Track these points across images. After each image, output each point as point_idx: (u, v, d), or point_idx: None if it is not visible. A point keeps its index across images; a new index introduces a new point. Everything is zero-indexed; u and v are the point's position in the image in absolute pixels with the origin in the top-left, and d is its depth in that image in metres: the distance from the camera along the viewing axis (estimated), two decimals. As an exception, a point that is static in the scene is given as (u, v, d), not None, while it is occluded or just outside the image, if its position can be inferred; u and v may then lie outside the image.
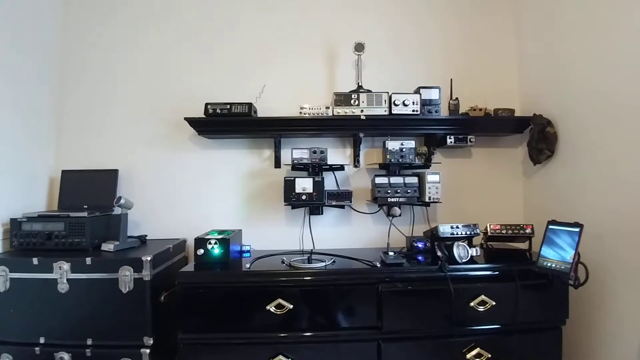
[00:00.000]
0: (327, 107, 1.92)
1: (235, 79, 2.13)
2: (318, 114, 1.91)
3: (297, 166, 1.93)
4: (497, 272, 1.61)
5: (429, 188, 1.86)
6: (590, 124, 1.66)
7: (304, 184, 1.85)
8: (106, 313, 1.56)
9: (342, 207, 1.96)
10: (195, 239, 1.69)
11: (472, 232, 1.69)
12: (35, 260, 1.58)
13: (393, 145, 1.89)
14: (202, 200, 2.10)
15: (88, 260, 1.57)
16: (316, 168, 1.94)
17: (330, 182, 2.08)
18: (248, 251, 1.88)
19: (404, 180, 1.88)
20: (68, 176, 1.99)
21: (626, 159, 1.49)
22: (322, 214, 2.07)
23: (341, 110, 1.91)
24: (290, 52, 2.15)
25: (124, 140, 2.11)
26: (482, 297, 1.54)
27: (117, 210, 1.81)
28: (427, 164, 2.03)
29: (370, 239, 2.11)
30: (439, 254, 1.65)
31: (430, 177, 1.86)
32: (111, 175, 1.99)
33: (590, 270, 1.46)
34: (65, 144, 2.11)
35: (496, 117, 1.99)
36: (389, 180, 1.88)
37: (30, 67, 1.93)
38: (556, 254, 1.46)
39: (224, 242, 1.67)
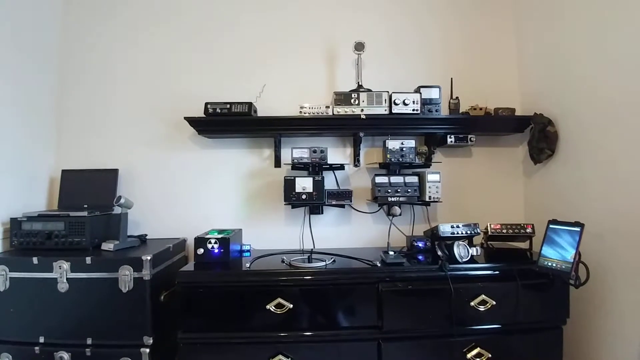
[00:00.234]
0: (327, 107, 1.91)
1: (235, 79, 2.13)
2: (318, 113, 1.91)
3: (297, 165, 1.93)
4: (497, 272, 1.60)
5: (429, 187, 1.86)
6: (591, 123, 1.65)
7: (304, 184, 1.85)
8: (106, 312, 1.56)
9: (342, 206, 1.96)
10: (195, 239, 1.69)
11: (473, 232, 1.69)
12: (35, 260, 1.58)
13: (393, 144, 1.89)
14: (202, 199, 2.10)
15: (88, 260, 1.57)
16: (316, 167, 1.94)
17: (330, 181, 2.08)
18: (248, 250, 1.87)
19: (404, 179, 1.88)
20: (68, 176, 1.99)
21: (627, 158, 1.48)
22: (322, 213, 2.07)
23: (341, 110, 1.91)
24: (290, 52, 2.15)
25: (124, 140, 2.11)
26: (483, 296, 1.54)
27: (117, 210, 1.81)
28: (427, 164, 2.03)
29: (370, 239, 2.11)
30: (440, 253, 1.65)
31: (431, 177, 1.86)
32: (111, 175, 1.99)
33: (591, 269, 1.46)
34: (65, 143, 2.11)
35: (497, 117, 1.98)
36: (389, 179, 1.88)
37: (30, 67, 1.94)
38: (557, 254, 1.45)
39: (224, 242, 1.67)
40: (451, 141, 1.96)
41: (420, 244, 1.89)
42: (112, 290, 1.56)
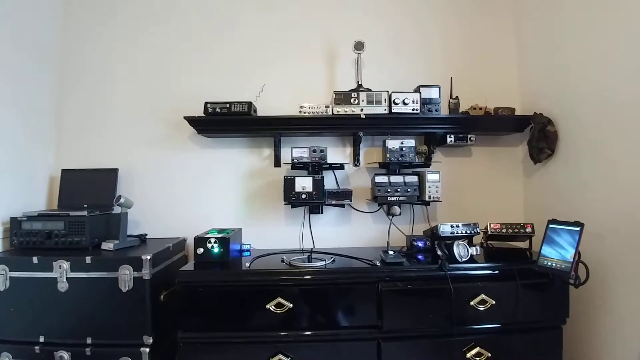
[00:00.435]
0: (327, 106, 1.92)
1: (235, 79, 2.13)
2: (318, 112, 1.91)
3: (297, 165, 1.93)
4: (497, 271, 1.60)
5: (429, 187, 1.86)
6: (591, 123, 1.65)
7: (303, 183, 1.85)
8: (106, 312, 1.56)
9: (342, 206, 1.96)
10: (195, 238, 1.69)
11: (472, 231, 1.69)
12: (35, 259, 1.58)
13: (393, 144, 1.89)
14: (201, 199, 2.10)
15: (88, 259, 1.57)
16: (316, 167, 1.94)
17: (330, 181, 2.08)
18: (248, 250, 1.88)
19: (404, 179, 1.88)
20: (68, 175, 1.99)
21: (627, 158, 1.48)
22: (322, 213, 2.07)
23: (341, 109, 1.91)
24: (290, 52, 2.16)
25: (123, 139, 2.11)
26: (482, 296, 1.54)
27: (117, 209, 1.81)
28: (427, 163, 2.03)
29: (370, 238, 2.11)
30: (439, 253, 1.65)
31: (430, 176, 1.86)
32: (111, 175, 1.99)
33: (591, 269, 1.46)
34: (65, 143, 2.11)
35: (496, 116, 1.98)
36: (389, 179, 1.88)
37: (30, 67, 1.94)
38: (557, 253, 1.45)
39: (224, 241, 1.67)
40: (451, 141, 1.96)
41: (420, 244, 1.89)
42: (112, 290, 1.56)
